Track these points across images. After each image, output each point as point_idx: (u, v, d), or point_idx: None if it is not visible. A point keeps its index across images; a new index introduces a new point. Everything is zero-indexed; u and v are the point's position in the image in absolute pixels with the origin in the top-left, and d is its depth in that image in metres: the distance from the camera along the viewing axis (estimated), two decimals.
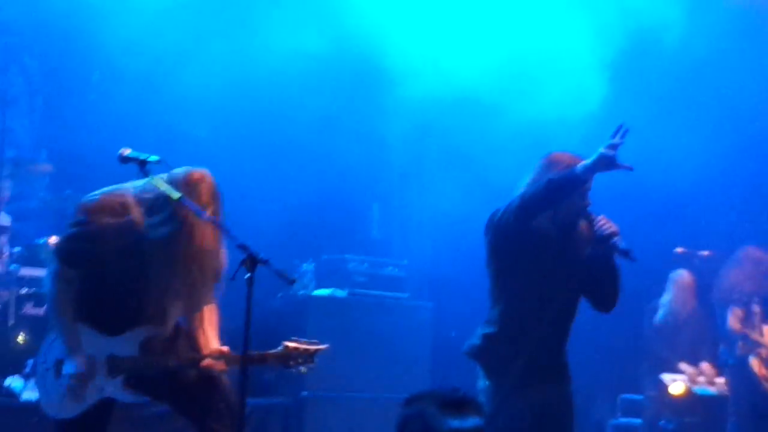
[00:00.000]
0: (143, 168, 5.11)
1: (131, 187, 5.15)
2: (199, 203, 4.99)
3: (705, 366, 9.19)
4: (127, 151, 5.14)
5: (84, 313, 5.11)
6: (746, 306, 8.68)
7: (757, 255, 8.72)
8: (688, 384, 9.06)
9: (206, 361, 5.17)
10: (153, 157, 5.14)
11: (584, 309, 5.75)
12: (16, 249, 8.17)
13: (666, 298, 9.29)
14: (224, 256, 5.18)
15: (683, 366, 9.18)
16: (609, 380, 9.57)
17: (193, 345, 5.28)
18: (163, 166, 5.13)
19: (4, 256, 8.11)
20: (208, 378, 5.25)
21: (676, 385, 9.05)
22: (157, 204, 5.03)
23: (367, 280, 9.39)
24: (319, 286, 9.26)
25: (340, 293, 9.18)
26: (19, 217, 8.87)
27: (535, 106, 9.09)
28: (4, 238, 8.37)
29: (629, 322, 9.13)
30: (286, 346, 5.21)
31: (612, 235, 5.49)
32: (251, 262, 4.89)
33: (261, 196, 9.66)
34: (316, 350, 5.32)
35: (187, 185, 5.04)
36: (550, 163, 5.60)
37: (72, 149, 9.03)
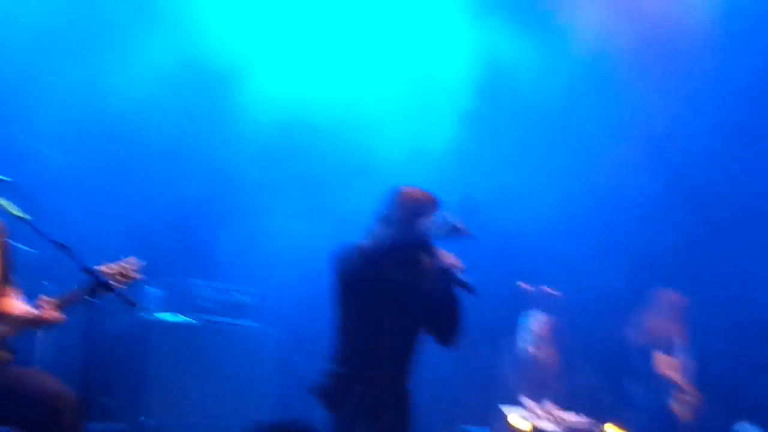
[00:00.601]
0: None
1: None
2: None
3: (549, 404, 9.31)
4: None
5: None
6: (667, 349, 8.85)
7: (674, 298, 8.91)
8: (532, 419, 9.15)
9: (46, 312, 5.08)
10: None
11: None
12: None
13: (522, 336, 9.40)
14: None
15: (526, 401, 9.28)
16: (453, 412, 9.65)
17: None
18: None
19: None
20: (35, 377, 5.16)
21: (520, 420, 9.15)
22: None
23: (214, 306, 9.31)
24: (164, 310, 9.15)
25: (185, 318, 9.09)
26: None
27: (383, 138, 9.23)
28: None
29: (480, 356, 9.24)
30: (100, 270, 5.09)
31: (452, 267, 5.57)
32: (96, 286, 4.86)
33: (108, 216, 9.52)
34: (129, 265, 5.23)
35: None
36: (401, 198, 5.68)
37: None
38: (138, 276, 5.28)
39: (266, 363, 9.20)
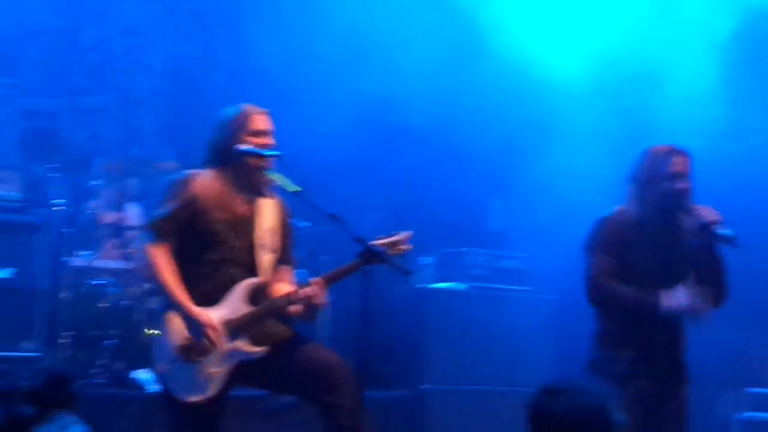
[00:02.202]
0: (260, 162, 5.25)
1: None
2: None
3: None
4: (245, 146, 5.26)
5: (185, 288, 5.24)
6: None
7: None
8: None
9: (309, 289, 5.21)
10: (271, 153, 5.26)
11: None
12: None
13: None
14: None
15: None
16: (733, 374, 9.37)
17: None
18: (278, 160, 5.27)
19: (131, 251, 8.31)
20: (315, 351, 5.31)
21: None
22: None
23: (487, 273, 9.37)
24: (438, 280, 9.27)
25: (460, 286, 9.18)
26: (146, 214, 9.10)
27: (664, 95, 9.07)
28: (134, 234, 8.58)
29: (750, 312, 8.92)
30: (372, 244, 5.17)
31: (713, 223, 5.41)
32: (368, 255, 4.96)
33: (375, 189, 9.74)
34: (401, 237, 5.29)
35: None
36: (651, 156, 5.58)
37: (196, 146, 9.20)
38: (409, 248, 5.34)
39: (540, 328, 9.19)
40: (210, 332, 5.11)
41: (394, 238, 5.27)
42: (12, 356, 7.43)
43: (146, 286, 7.99)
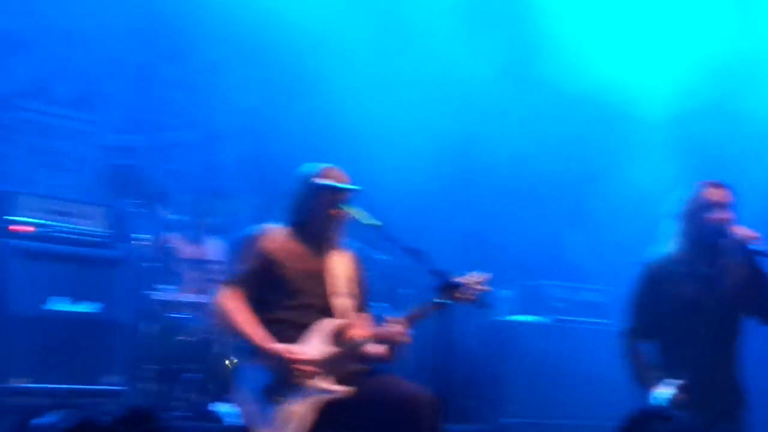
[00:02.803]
0: (338, 196, 5.31)
1: None
2: None
3: None
4: (323, 180, 5.32)
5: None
6: None
7: None
8: None
9: (391, 328, 5.23)
10: (350, 187, 5.31)
11: None
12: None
13: None
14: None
15: None
16: None
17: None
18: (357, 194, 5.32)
19: (211, 285, 8.38)
20: (397, 386, 5.32)
21: None
22: None
23: (566, 306, 9.32)
24: (517, 313, 9.23)
25: (541, 319, 9.13)
26: (226, 247, 9.18)
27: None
28: (213, 267, 8.67)
29: None
30: (459, 285, 5.18)
31: (748, 240, 5.46)
32: (447, 288, 4.97)
33: (453, 222, 9.74)
34: (482, 277, 5.29)
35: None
36: (691, 191, 5.82)
37: (275, 180, 9.30)
38: (488, 289, 5.35)
39: (619, 361, 9.06)
40: (302, 366, 5.16)
41: (475, 277, 5.28)
42: (95, 390, 7.51)
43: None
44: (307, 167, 5.53)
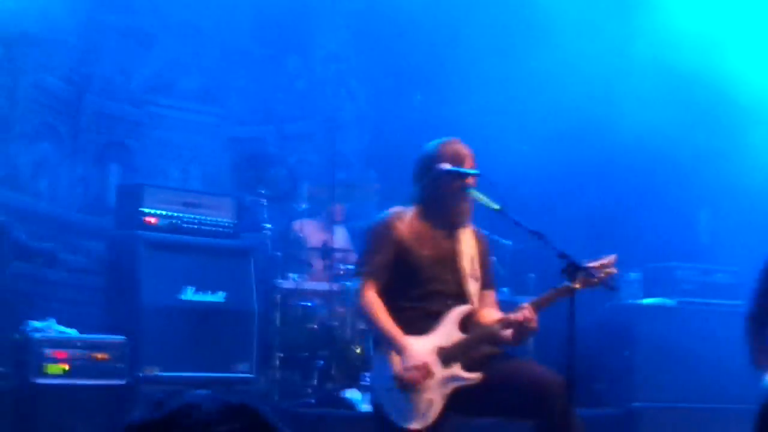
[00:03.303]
0: (463, 182, 5.29)
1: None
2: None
3: None
4: (447, 166, 5.31)
5: (397, 323, 5.29)
6: None
7: None
8: None
9: (521, 314, 5.20)
10: (473, 172, 5.29)
11: None
12: (350, 266, 8.47)
13: None
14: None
15: None
16: None
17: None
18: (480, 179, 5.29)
19: (340, 273, 8.46)
20: (528, 367, 5.30)
21: None
22: None
23: (696, 288, 9.16)
24: (646, 295, 9.11)
25: (669, 302, 9.00)
26: (352, 235, 9.26)
27: None
28: (341, 256, 8.74)
29: None
30: (586, 268, 5.12)
31: None
32: (572, 270, 4.93)
33: (581, 203, 9.65)
34: (610, 260, 5.22)
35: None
36: None
37: (398, 169, 9.34)
38: (615, 271, 5.29)
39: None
40: (419, 372, 5.16)
41: (601, 261, 5.22)
42: (226, 377, 7.64)
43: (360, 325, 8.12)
44: (432, 146, 5.48)
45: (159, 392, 6.81)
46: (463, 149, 5.44)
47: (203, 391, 2.00)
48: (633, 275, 9.15)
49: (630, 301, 8.94)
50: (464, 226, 5.50)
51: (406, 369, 5.17)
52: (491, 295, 5.57)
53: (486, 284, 5.54)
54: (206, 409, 1.95)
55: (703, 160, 9.64)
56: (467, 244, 5.49)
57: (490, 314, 5.41)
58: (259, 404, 2.00)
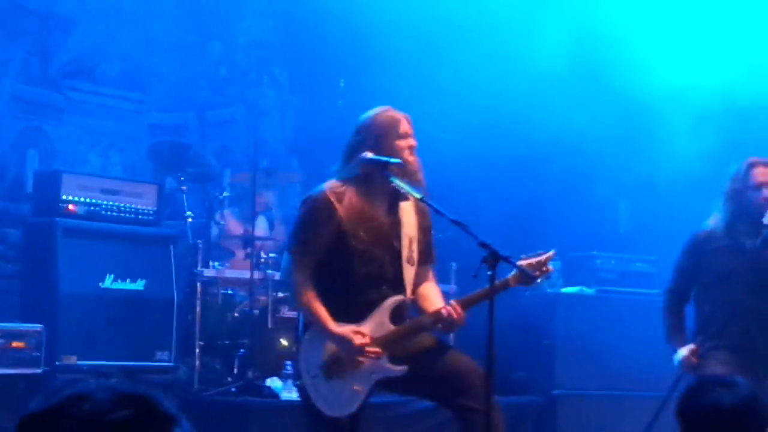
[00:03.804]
0: (384, 170, 5.24)
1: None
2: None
3: None
4: (369, 155, 5.27)
5: (329, 310, 5.25)
6: None
7: None
8: None
9: (450, 311, 5.19)
10: (394, 160, 5.25)
11: None
12: (272, 255, 8.44)
13: None
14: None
15: None
16: None
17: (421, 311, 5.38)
18: (400, 166, 5.25)
19: (262, 261, 8.42)
20: (451, 357, 5.31)
21: None
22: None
23: (616, 277, 9.28)
24: (566, 284, 9.20)
25: (589, 291, 9.09)
26: (273, 224, 9.23)
27: None
28: (263, 244, 8.70)
29: None
30: (520, 264, 5.15)
31: None
32: (493, 259, 4.92)
33: (502, 192, 9.71)
34: (547, 257, 5.26)
35: (407, 174, 5.25)
36: (737, 169, 6.08)
37: (322, 157, 9.31)
38: (552, 269, 5.31)
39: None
40: (367, 350, 5.14)
41: (540, 258, 5.24)
42: (147, 366, 7.58)
43: (278, 294, 8.10)
44: (364, 119, 5.40)
45: (72, 381, 6.74)
46: (396, 113, 5.37)
47: (97, 381, 1.99)
48: (553, 264, 9.20)
49: (550, 289, 9.00)
50: (403, 199, 5.40)
51: (349, 351, 5.14)
52: (429, 271, 5.52)
53: (425, 259, 5.46)
54: (98, 397, 1.94)
55: (622, 152, 9.74)
56: (407, 222, 5.38)
57: (429, 296, 5.38)
58: (154, 392, 1.99)
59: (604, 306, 8.97)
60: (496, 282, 4.92)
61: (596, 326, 8.74)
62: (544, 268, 5.26)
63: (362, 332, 5.17)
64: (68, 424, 1.92)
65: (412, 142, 5.35)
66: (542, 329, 8.87)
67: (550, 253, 5.28)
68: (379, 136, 5.31)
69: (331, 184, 5.33)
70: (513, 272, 5.16)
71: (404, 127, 5.34)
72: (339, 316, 5.22)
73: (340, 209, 5.25)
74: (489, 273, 4.89)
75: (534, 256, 5.25)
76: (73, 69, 10.10)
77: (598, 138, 9.47)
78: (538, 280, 5.25)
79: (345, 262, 5.27)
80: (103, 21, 10.21)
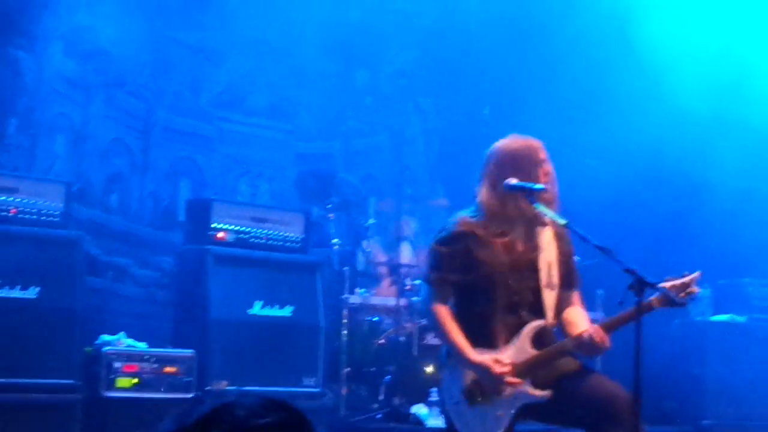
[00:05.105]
0: (529, 196, 5.24)
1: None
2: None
3: None
4: (513, 181, 5.26)
5: (469, 336, 5.25)
6: None
7: None
8: None
9: (593, 335, 5.12)
10: (538, 187, 5.24)
11: None
12: (417, 282, 8.47)
13: None
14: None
15: None
16: None
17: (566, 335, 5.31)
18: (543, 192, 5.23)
19: (407, 288, 8.46)
20: (596, 382, 5.24)
21: None
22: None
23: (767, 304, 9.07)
24: (716, 312, 9.02)
25: (740, 319, 8.90)
26: (420, 251, 9.26)
27: None
28: (408, 272, 8.74)
29: None
30: (664, 286, 5.05)
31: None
32: (640, 286, 4.87)
33: (649, 220, 9.58)
34: (692, 278, 5.14)
35: (546, 200, 5.21)
36: None
37: (467, 184, 9.31)
38: (698, 290, 5.21)
39: None
40: (508, 378, 5.12)
41: (684, 280, 5.14)
42: (294, 392, 7.67)
43: (423, 321, 8.12)
44: (500, 147, 5.41)
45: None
46: (534, 141, 5.36)
47: (240, 393, 2.08)
48: (703, 291, 9.05)
49: (699, 318, 8.84)
50: (541, 224, 5.36)
51: (488, 380, 5.13)
52: (575, 295, 5.44)
53: (568, 284, 5.40)
54: (246, 404, 2.02)
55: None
56: (546, 247, 5.35)
57: (574, 320, 5.33)
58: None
59: (756, 334, 8.77)
60: (642, 305, 4.87)
61: (747, 355, 8.55)
62: (689, 290, 5.16)
63: (501, 360, 5.16)
64: (223, 428, 1.99)
65: (549, 168, 5.34)
66: (691, 358, 8.72)
67: (695, 274, 5.17)
68: (520, 163, 5.30)
69: (466, 213, 5.34)
70: (656, 293, 5.08)
71: (542, 153, 5.33)
72: (479, 343, 5.21)
73: (476, 237, 5.24)
74: (636, 299, 4.84)
75: (678, 278, 5.17)
76: (223, 100, 10.34)
77: (745, 157, 9.33)
78: (684, 302, 5.14)
79: (482, 289, 5.27)
80: (251, 53, 10.43)
